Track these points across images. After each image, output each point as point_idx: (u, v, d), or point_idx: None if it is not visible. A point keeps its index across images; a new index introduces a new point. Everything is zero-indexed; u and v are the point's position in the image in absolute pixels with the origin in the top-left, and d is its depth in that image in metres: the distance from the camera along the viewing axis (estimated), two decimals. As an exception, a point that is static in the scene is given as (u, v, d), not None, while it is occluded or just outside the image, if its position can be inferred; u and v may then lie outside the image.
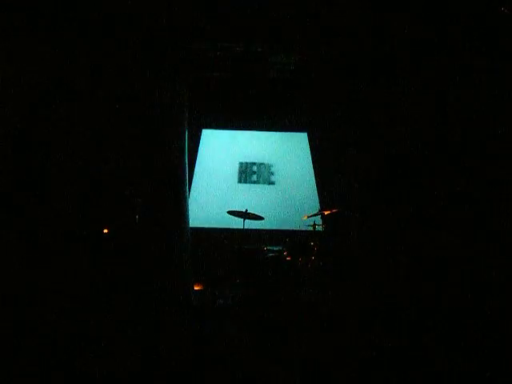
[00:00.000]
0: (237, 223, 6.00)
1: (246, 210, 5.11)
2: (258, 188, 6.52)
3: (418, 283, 3.75)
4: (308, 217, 5.24)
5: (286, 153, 6.70)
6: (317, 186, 6.50)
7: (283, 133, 6.78)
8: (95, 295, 3.56)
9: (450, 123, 4.14)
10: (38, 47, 4.04)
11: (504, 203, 3.71)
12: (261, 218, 5.38)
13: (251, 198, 6.41)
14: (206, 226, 6.25)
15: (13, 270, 3.33)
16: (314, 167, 6.57)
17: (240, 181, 6.55)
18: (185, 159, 5.98)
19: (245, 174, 6.57)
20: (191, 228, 6.06)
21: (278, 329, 3.24)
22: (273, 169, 6.63)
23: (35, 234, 3.69)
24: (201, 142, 6.63)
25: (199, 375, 2.46)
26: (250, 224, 5.43)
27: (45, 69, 4.05)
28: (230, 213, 5.52)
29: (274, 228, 6.16)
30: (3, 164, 3.65)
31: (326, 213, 4.95)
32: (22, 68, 3.91)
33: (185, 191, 5.92)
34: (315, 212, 5.26)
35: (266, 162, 6.64)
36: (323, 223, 5.13)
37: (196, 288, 4.62)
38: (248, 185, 6.53)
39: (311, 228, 5.09)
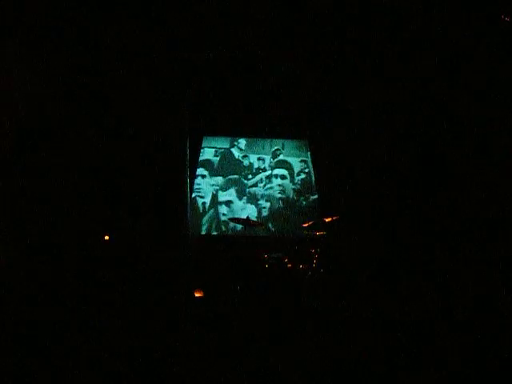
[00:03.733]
0: (237, 230, 6.01)
1: (247, 217, 5.11)
2: (258, 195, 6.51)
3: (418, 287, 3.73)
4: (309, 224, 5.23)
5: (287, 159, 6.71)
6: (317, 192, 6.49)
7: (284, 140, 6.79)
8: (94, 302, 3.55)
9: (452, 126, 4.16)
10: (43, 57, 4.07)
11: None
12: (261, 225, 5.38)
13: (252, 205, 6.42)
14: (207, 232, 6.24)
15: (12, 270, 3.32)
16: (315, 174, 6.58)
17: (241, 187, 6.54)
18: (186, 166, 5.99)
19: (245, 181, 6.57)
20: (192, 234, 6.05)
21: (279, 336, 3.21)
22: (274, 175, 6.62)
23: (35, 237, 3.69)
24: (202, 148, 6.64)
25: (198, 380, 2.44)
26: (251, 231, 5.43)
27: (47, 74, 4.08)
28: (230, 220, 5.52)
29: (275, 235, 6.15)
30: (3, 164, 3.66)
31: (326, 220, 4.93)
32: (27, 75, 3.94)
33: (186, 198, 5.92)
34: (316, 219, 5.25)
35: (267, 168, 6.65)
36: (324, 230, 5.12)
37: (196, 295, 4.59)
38: (249, 191, 6.53)
39: (312, 235, 5.08)
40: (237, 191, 6.48)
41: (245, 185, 6.52)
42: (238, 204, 6.40)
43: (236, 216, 5.98)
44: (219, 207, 6.37)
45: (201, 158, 6.57)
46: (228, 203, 6.41)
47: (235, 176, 6.54)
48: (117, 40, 4.50)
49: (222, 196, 6.45)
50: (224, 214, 6.27)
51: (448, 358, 2.62)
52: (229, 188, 6.49)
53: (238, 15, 4.39)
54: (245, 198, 6.46)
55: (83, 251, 4.26)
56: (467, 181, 3.90)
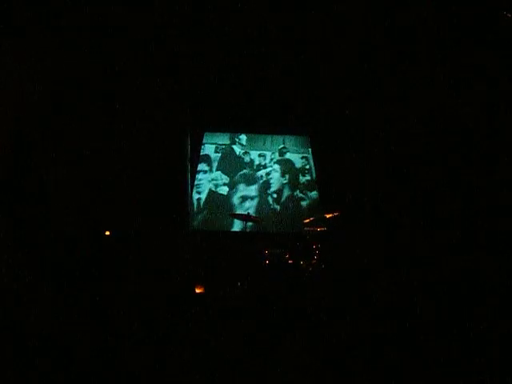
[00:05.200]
0: (239, 226, 6.01)
1: (248, 213, 5.11)
2: (259, 191, 6.50)
3: (418, 285, 3.73)
4: (310, 220, 5.23)
5: (288, 155, 6.69)
6: (318, 188, 6.48)
7: (285, 136, 6.77)
8: (94, 299, 3.56)
9: (451, 124, 4.15)
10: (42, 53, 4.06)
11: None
12: (263, 221, 5.38)
13: (253, 200, 6.41)
14: (208, 228, 6.24)
15: (12, 270, 3.33)
16: (316, 170, 6.57)
17: (242, 183, 6.53)
18: (187, 162, 5.99)
19: (247, 177, 6.56)
20: (193, 230, 6.06)
21: (280, 331, 3.22)
22: (275, 171, 6.61)
23: (36, 235, 3.69)
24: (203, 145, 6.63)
25: (199, 377, 2.45)
26: (252, 227, 5.43)
27: (47, 73, 4.07)
28: (232, 215, 5.52)
29: (276, 231, 6.15)
30: (3, 164, 3.66)
31: (327, 215, 4.93)
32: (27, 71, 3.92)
33: (187, 193, 5.93)
34: (317, 215, 5.25)
35: (268, 164, 6.64)
36: (325, 226, 5.12)
37: (197, 291, 4.60)
38: (250, 187, 6.52)
39: (313, 231, 5.08)
40: (239, 187, 6.49)
41: (247, 180, 6.52)
42: (240, 199, 6.41)
43: (237, 212, 5.99)
44: (222, 203, 6.37)
45: (201, 154, 6.55)
46: (231, 199, 6.41)
47: (240, 172, 6.55)
48: (117, 38, 4.49)
49: (224, 191, 6.45)
50: (226, 210, 6.27)
51: (450, 357, 2.62)
52: (235, 184, 6.49)
53: (238, 13, 4.37)
54: (247, 192, 6.46)
55: (84, 247, 4.27)
56: (468, 179, 3.90)
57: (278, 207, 6.42)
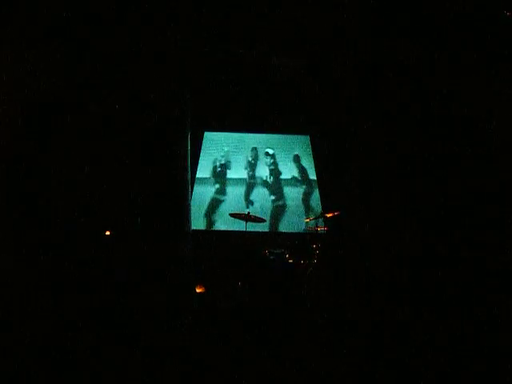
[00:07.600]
0: (239, 225, 6.00)
1: (248, 213, 5.10)
2: (260, 190, 6.51)
3: (419, 284, 3.73)
4: (310, 219, 5.24)
5: (289, 155, 6.70)
6: (319, 188, 6.48)
7: (286, 135, 6.78)
8: (95, 298, 3.56)
9: (452, 124, 4.15)
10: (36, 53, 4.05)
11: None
12: (263, 221, 5.37)
13: (253, 200, 6.43)
14: (209, 228, 6.25)
15: (12, 270, 3.33)
16: (316, 170, 6.56)
17: (242, 183, 6.54)
18: (187, 161, 5.98)
19: (247, 177, 6.58)
20: (193, 230, 6.06)
21: (280, 331, 3.22)
22: (275, 171, 6.62)
23: (36, 235, 3.69)
24: (203, 144, 6.64)
25: (199, 377, 2.45)
26: (252, 226, 5.43)
27: (44, 68, 4.07)
28: (232, 215, 5.52)
29: (276, 230, 6.15)
30: (3, 165, 3.66)
31: (328, 215, 4.94)
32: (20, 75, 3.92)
33: (187, 193, 5.92)
34: (317, 215, 5.25)
35: (268, 164, 6.64)
36: (325, 226, 5.13)
37: (197, 290, 4.60)
38: (249, 187, 6.53)
39: (313, 230, 5.08)
40: (239, 186, 6.50)
41: (249, 181, 6.54)
42: (240, 199, 6.42)
43: (238, 211, 5.99)
44: (222, 203, 6.39)
45: (201, 154, 6.57)
46: (231, 198, 6.42)
47: (240, 171, 6.56)
48: (117, 37, 4.49)
49: (224, 191, 6.46)
50: (225, 209, 6.28)
51: (451, 357, 2.62)
52: (234, 184, 6.50)
53: (239, 13, 4.38)
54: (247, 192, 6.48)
55: (84, 247, 4.26)
56: (470, 179, 3.90)
57: (278, 207, 6.42)
